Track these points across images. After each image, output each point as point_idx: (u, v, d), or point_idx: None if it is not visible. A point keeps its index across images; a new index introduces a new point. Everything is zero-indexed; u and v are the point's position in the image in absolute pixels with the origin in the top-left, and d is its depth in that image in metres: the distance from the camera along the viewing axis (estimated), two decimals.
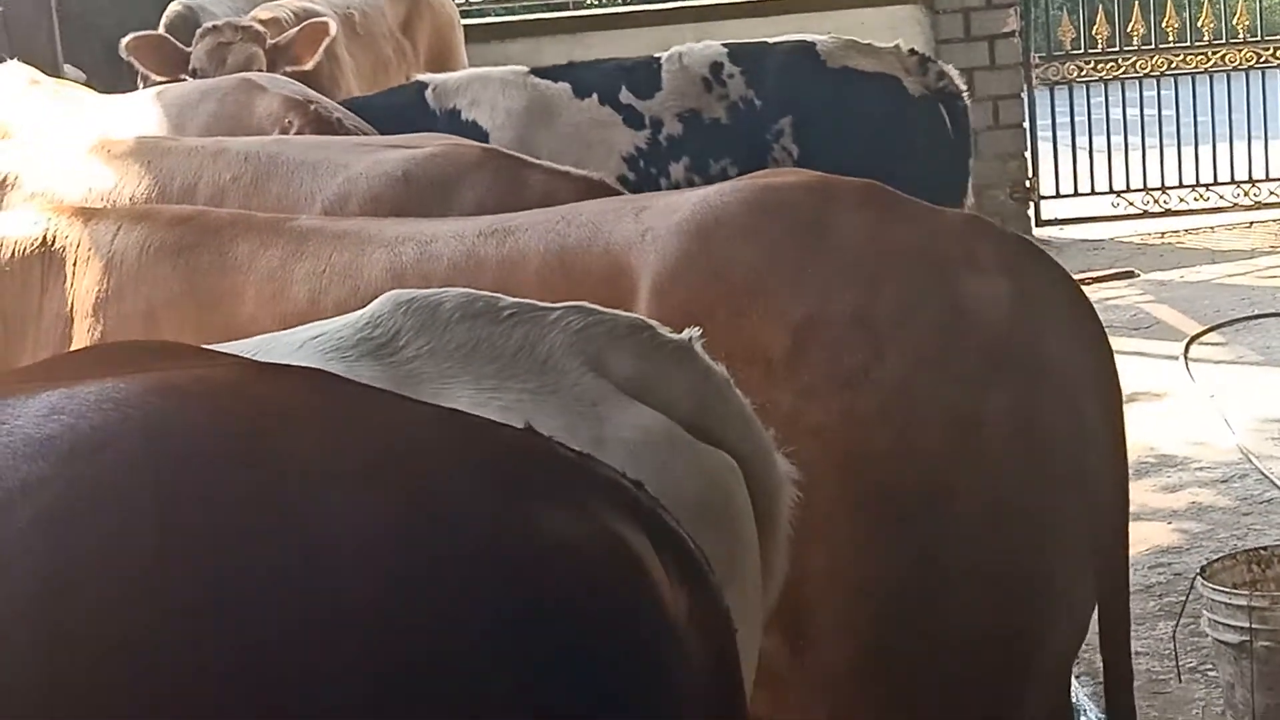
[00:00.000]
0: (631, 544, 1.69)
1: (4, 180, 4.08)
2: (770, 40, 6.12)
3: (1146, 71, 11.34)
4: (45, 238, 3.40)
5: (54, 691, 1.53)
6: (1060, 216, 11.23)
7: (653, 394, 2.13)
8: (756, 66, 5.91)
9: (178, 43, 6.73)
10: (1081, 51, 11.34)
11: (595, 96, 5.96)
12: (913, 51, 5.91)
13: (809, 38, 6.03)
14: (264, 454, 1.63)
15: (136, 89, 6.41)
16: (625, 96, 5.96)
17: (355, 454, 1.65)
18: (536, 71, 6.08)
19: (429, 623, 1.56)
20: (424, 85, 6.07)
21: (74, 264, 3.36)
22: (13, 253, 3.40)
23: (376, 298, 2.92)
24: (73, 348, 3.29)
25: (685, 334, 2.22)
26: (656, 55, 6.06)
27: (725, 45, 6.04)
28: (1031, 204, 11.16)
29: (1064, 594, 2.92)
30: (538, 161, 3.97)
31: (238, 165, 4.02)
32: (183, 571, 1.56)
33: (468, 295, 2.17)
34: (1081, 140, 11.23)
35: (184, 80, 6.40)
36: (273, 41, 6.77)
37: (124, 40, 6.60)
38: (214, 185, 4.00)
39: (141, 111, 5.09)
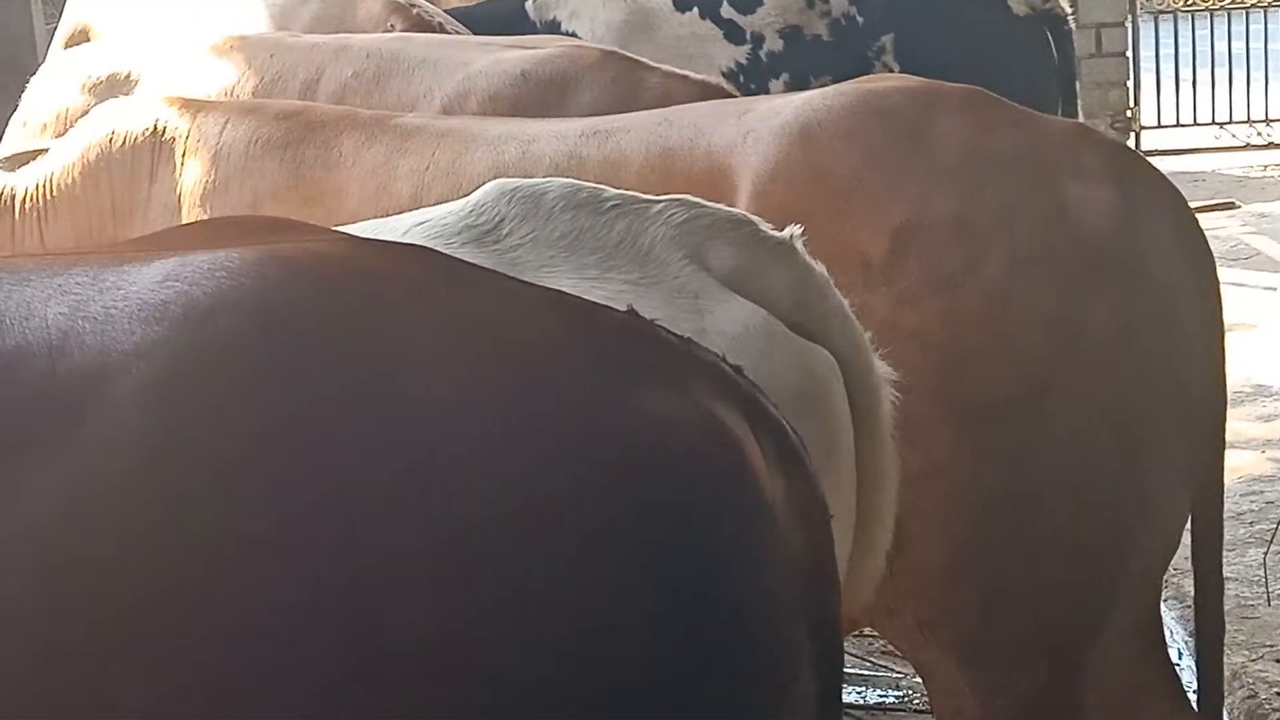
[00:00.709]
0: (730, 426, 1.70)
1: (126, 76, 4.13)
2: None
3: (1253, 3, 11.19)
4: (155, 127, 3.44)
5: (156, 551, 1.55)
6: (1161, 147, 11.12)
7: (753, 288, 2.14)
8: None
9: None
10: None
11: (696, 10, 5.94)
12: None
13: None
14: (373, 327, 1.65)
15: None
16: (727, 11, 5.94)
17: (463, 331, 1.67)
18: None
19: (530, 499, 1.58)
20: None
21: (183, 154, 3.40)
22: (123, 141, 3.45)
23: None
24: None
25: (787, 231, 2.23)
26: None
27: None
28: (1132, 134, 11.05)
29: (1156, 505, 2.92)
30: (656, 65, 3.97)
31: (359, 61, 4.06)
32: (287, 439, 1.58)
33: (571, 185, 2.18)
34: (1185, 71, 11.11)
35: None
36: None
37: None
38: (336, 81, 4.04)
39: (246, 10, 5.11)
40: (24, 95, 4.37)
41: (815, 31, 5.88)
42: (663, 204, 2.18)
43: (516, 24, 5.79)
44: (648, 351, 1.72)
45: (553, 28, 5.87)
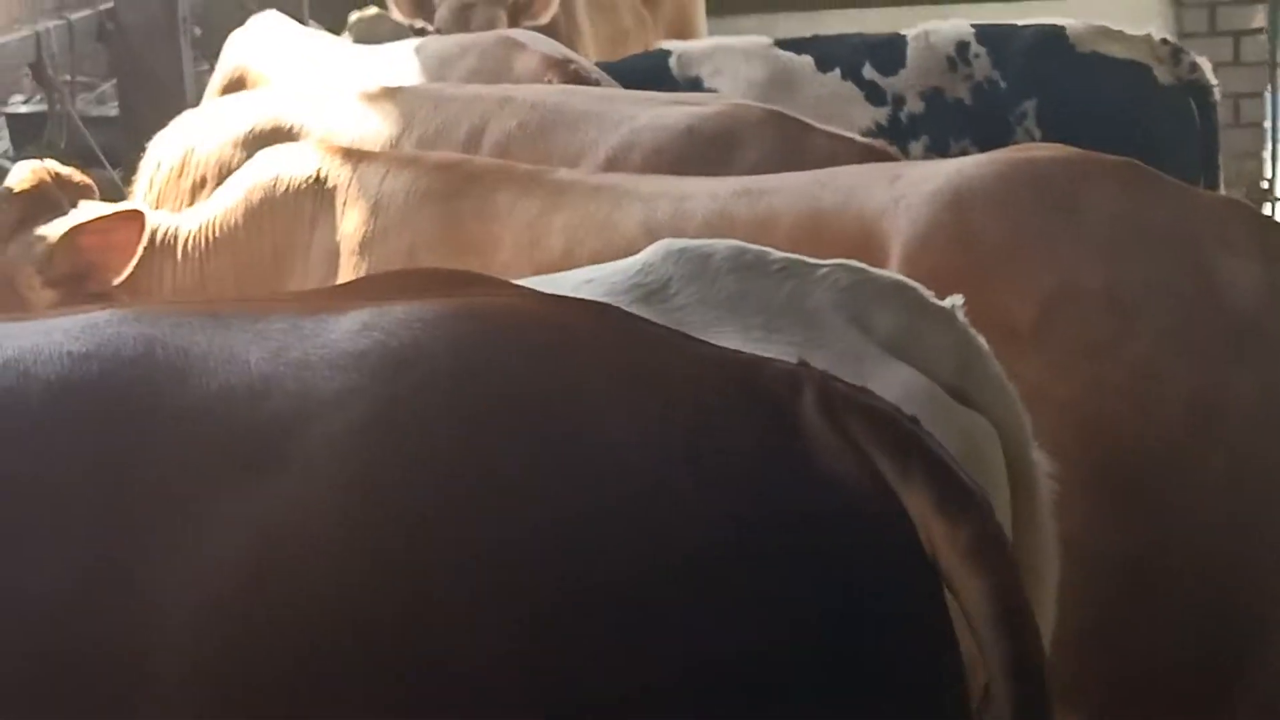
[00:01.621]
0: (893, 478, 1.74)
1: (290, 128, 4.21)
2: (1019, 23, 6.09)
3: None
4: (318, 175, 3.53)
5: (348, 593, 1.61)
6: None
7: (914, 354, 2.18)
8: (1003, 47, 5.88)
9: None
10: None
11: (838, 71, 5.97)
12: (1165, 41, 5.85)
13: (1059, 21, 6.00)
14: (560, 380, 1.71)
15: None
16: (868, 72, 5.97)
17: (645, 387, 1.73)
18: (780, 43, 6.11)
19: (701, 555, 1.64)
20: (667, 53, 6.13)
21: (343, 203, 3.49)
22: (287, 187, 3.54)
23: (630, 251, 3.00)
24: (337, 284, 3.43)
25: (949, 300, 2.27)
26: (903, 32, 6.06)
27: (973, 25, 6.02)
28: (1269, 204, 10.96)
29: None
30: (821, 125, 4.01)
31: (524, 112, 4.11)
32: (480, 484, 1.64)
33: (738, 247, 2.23)
34: None
35: (425, 29, 6.54)
36: None
37: None
38: (501, 132, 4.09)
39: (404, 63, 5.21)
40: (170, 136, 4.43)
41: (957, 95, 5.90)
42: (828, 268, 2.23)
43: (659, 80, 5.85)
44: (814, 402, 1.76)
45: (695, 84, 5.93)
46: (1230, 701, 2.94)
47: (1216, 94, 5.80)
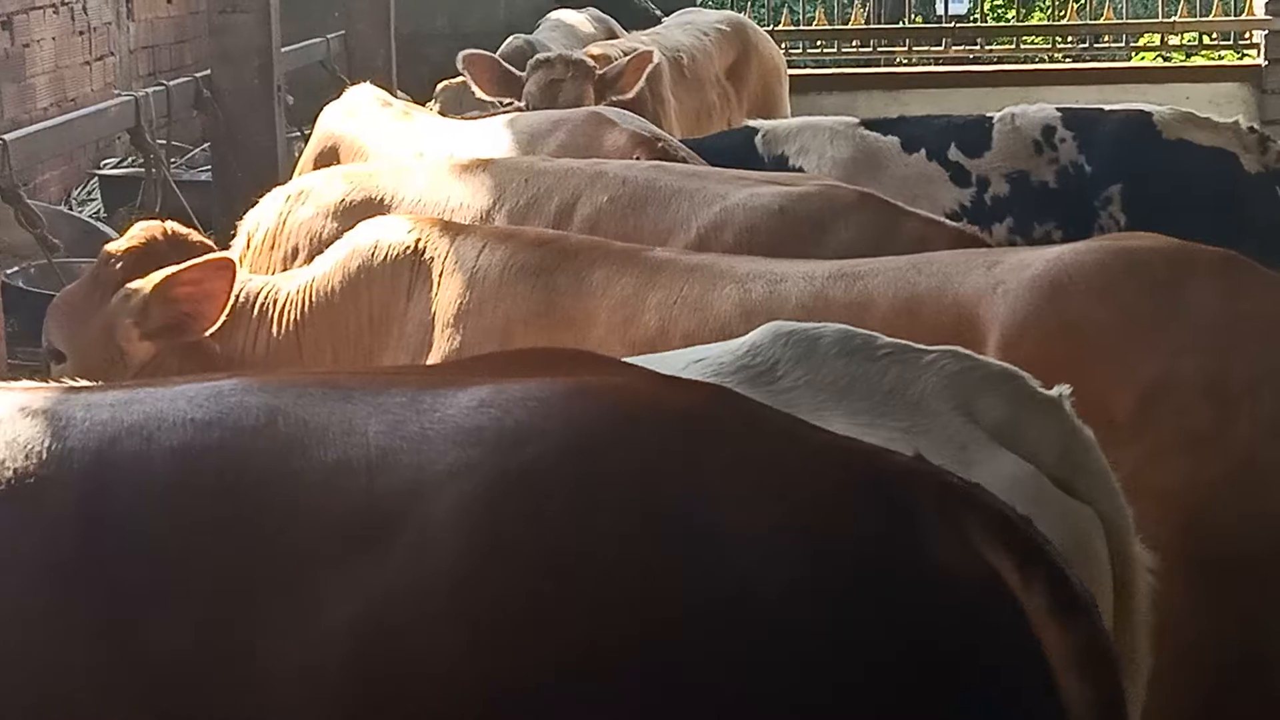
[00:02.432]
0: (1006, 577, 1.74)
1: (380, 200, 4.25)
2: (1105, 107, 6.09)
3: None
4: (416, 246, 3.56)
5: (463, 668, 1.62)
6: None
7: (1020, 443, 2.18)
8: (1090, 132, 5.89)
9: (510, 67, 6.93)
10: None
11: (923, 151, 5.98)
12: (1252, 129, 5.84)
13: (1146, 107, 5.99)
14: (675, 464, 1.72)
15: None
16: (954, 154, 5.98)
17: (762, 473, 1.73)
18: (867, 123, 6.13)
19: (819, 647, 1.63)
20: (754, 131, 6.16)
21: (440, 275, 3.51)
22: (385, 256, 3.57)
23: (724, 332, 3.01)
24: (431, 356, 3.44)
25: (1055, 390, 2.27)
26: (989, 115, 6.08)
27: (1059, 109, 6.03)
28: None
29: None
30: (912, 209, 4.02)
31: (615, 188, 4.14)
32: (591, 565, 1.65)
33: (846, 332, 2.23)
34: None
35: (513, 105, 6.60)
36: (600, 72, 6.94)
37: (461, 53, 6.82)
38: (592, 205, 4.11)
39: (495, 136, 5.26)
40: (263, 207, 4.47)
41: (1042, 178, 5.90)
42: (935, 354, 2.23)
43: (745, 157, 5.88)
44: (932, 498, 1.77)
45: (780, 163, 5.95)
46: None
47: None
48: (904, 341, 2.28)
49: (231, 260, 3.61)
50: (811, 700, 1.62)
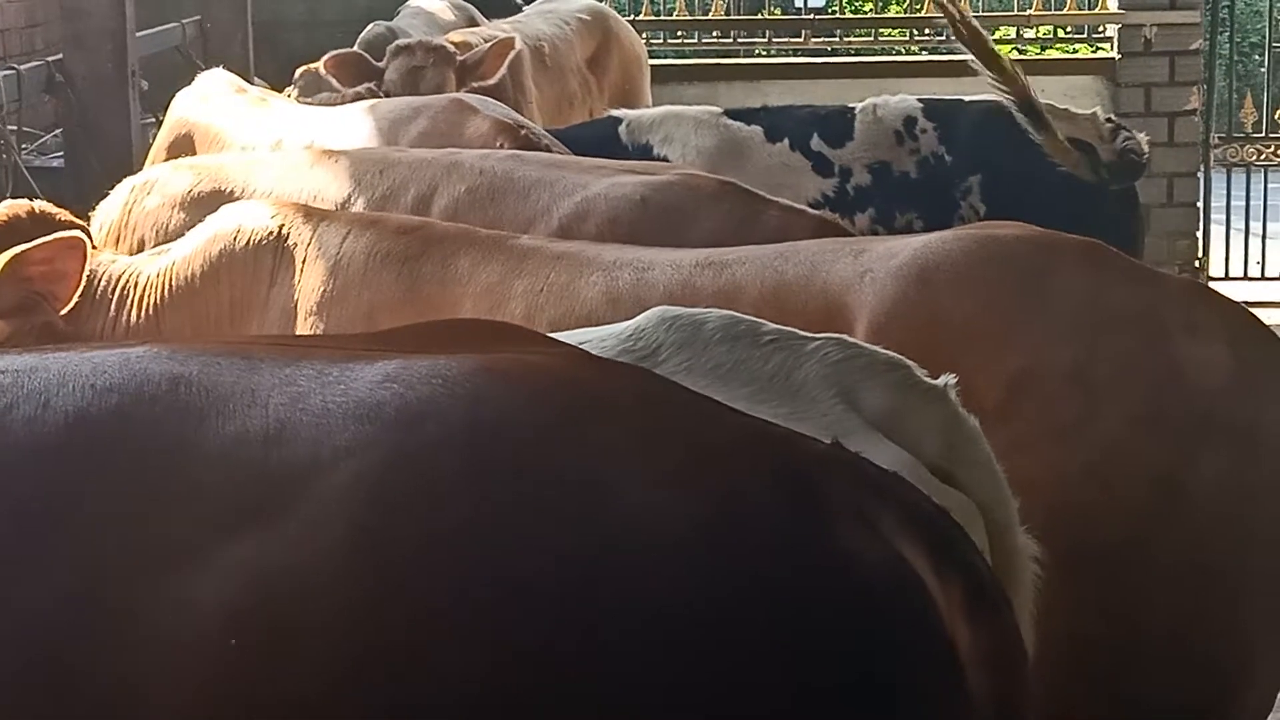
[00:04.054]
0: (916, 567, 1.71)
1: (230, 191, 4.18)
2: (965, 98, 6.13)
3: None
4: (280, 232, 3.50)
5: (344, 647, 1.61)
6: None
7: (901, 432, 2.17)
8: (950, 123, 5.93)
9: (372, 60, 6.86)
10: (1263, 135, 11.26)
11: (787, 141, 6.00)
12: (1109, 120, 5.91)
13: (1005, 99, 6.04)
14: (577, 441, 1.70)
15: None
16: (817, 144, 6.00)
17: (666, 450, 1.71)
18: (730, 113, 6.13)
19: (716, 622, 1.61)
20: (618, 120, 6.14)
21: (303, 261, 3.46)
22: (248, 241, 3.50)
23: (590, 319, 2.98)
24: None
25: (942, 380, 2.26)
26: (851, 105, 6.10)
27: (921, 100, 6.06)
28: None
29: (1256, 661, 2.92)
30: (773, 198, 4.02)
31: (473, 178, 4.09)
32: (481, 545, 1.63)
33: (731, 318, 2.22)
34: (1255, 224, 11.13)
35: (368, 91, 6.53)
36: (462, 59, 6.89)
37: (324, 59, 6.74)
38: (449, 197, 4.06)
39: (355, 124, 5.19)
40: (112, 199, 4.39)
41: (903, 168, 5.94)
42: (819, 342, 2.22)
43: (609, 147, 5.86)
44: (845, 487, 1.74)
45: (645, 152, 5.94)
46: None
47: (1145, 173, 5.88)
48: (789, 329, 2.26)
49: (82, 239, 3.51)
50: (705, 693, 1.60)
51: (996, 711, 1.73)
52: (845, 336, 2.27)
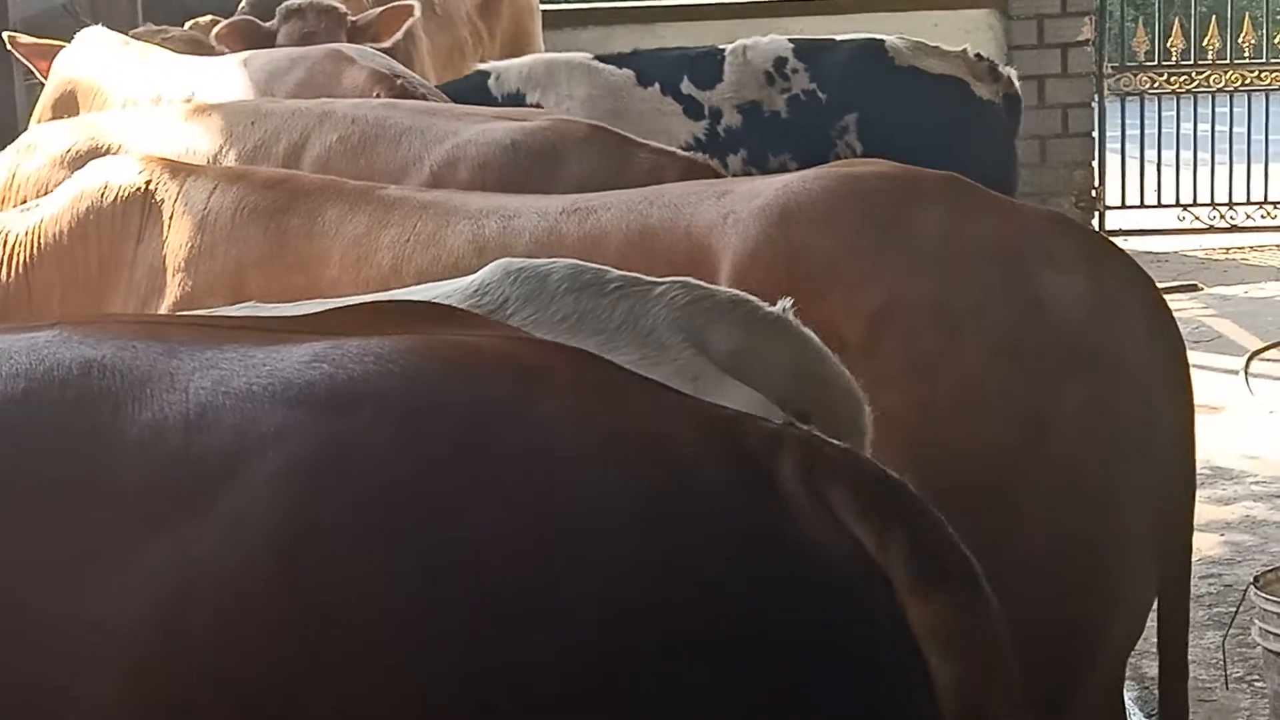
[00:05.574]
0: (874, 552, 1.63)
1: (108, 147, 4.14)
2: (837, 37, 6.14)
3: (1219, 86, 11.32)
4: (147, 188, 3.46)
5: (279, 642, 1.54)
6: (1125, 228, 11.21)
7: (752, 369, 2.16)
8: (821, 62, 5.94)
9: (260, 23, 6.78)
10: (1155, 64, 11.33)
11: (658, 85, 5.99)
12: (980, 56, 5.94)
13: (877, 36, 6.06)
14: (520, 425, 1.61)
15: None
16: (686, 86, 5.99)
17: (606, 436, 1.63)
18: (601, 58, 6.11)
19: (665, 603, 1.56)
20: (486, 75, 6.11)
21: (170, 217, 3.42)
22: (115, 197, 3.46)
23: (457, 268, 2.97)
24: (163, 301, 3.36)
25: (779, 305, 2.25)
26: (721, 47, 6.10)
27: (791, 40, 6.06)
28: (1096, 214, 11.14)
29: (1125, 589, 2.96)
30: (644, 140, 4.01)
31: (344, 127, 4.07)
32: (415, 536, 1.55)
33: (575, 266, 2.20)
34: (1150, 153, 11.22)
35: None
36: (353, 19, 6.82)
37: (215, 31, 6.65)
38: (321, 146, 4.04)
39: (230, 75, 5.15)
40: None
41: (774, 108, 5.94)
42: (664, 286, 2.21)
43: (477, 97, 5.80)
44: (796, 467, 1.66)
45: (516, 100, 5.90)
46: (1063, 714, 2.97)
47: (1021, 108, 5.92)
48: (634, 275, 2.25)
49: None
50: (654, 669, 1.54)
51: (961, 695, 1.63)
52: (690, 280, 2.26)
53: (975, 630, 1.68)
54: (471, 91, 5.86)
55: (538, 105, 5.81)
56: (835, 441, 1.73)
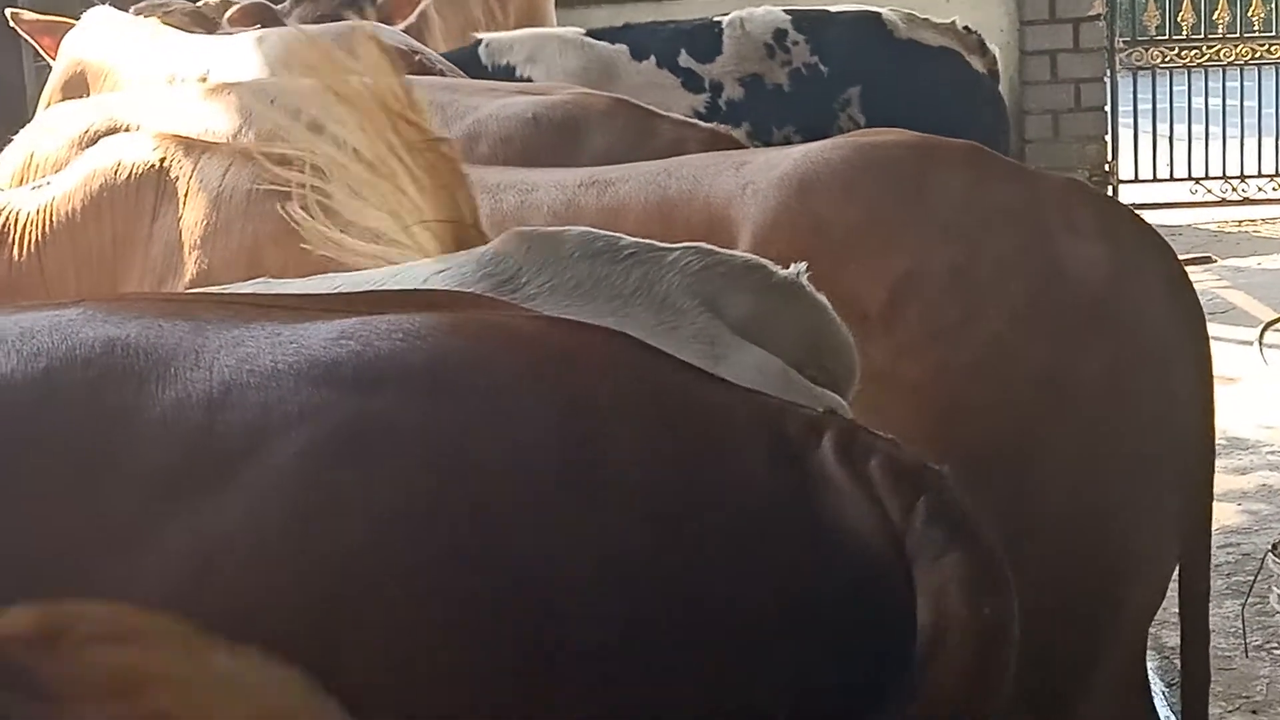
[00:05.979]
0: (911, 548, 1.62)
1: (126, 127, 4.13)
2: (832, 9, 6.11)
3: (1230, 60, 11.31)
4: (161, 165, 3.45)
5: (298, 625, 1.51)
6: (1138, 201, 11.19)
7: (767, 333, 2.16)
8: (822, 35, 5.91)
9: (272, 5, 6.76)
10: (1166, 38, 11.32)
11: (653, 59, 5.96)
12: (968, 29, 5.94)
13: (872, 9, 6.04)
14: (554, 409, 1.59)
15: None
16: (685, 60, 5.96)
17: (640, 421, 1.61)
18: (593, 33, 6.07)
19: (707, 597, 1.54)
20: (479, 43, 6.08)
21: (185, 194, 3.42)
22: (129, 174, 3.45)
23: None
24: (179, 278, 3.36)
25: (792, 269, 2.25)
26: (717, 19, 6.07)
27: (787, 11, 6.03)
28: (1110, 187, 11.13)
29: (1145, 557, 2.96)
30: (665, 112, 3.99)
31: None
32: (441, 517, 1.53)
33: (588, 234, 2.19)
34: (1162, 127, 11.21)
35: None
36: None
37: (227, 15, 6.63)
38: None
39: (244, 56, 5.14)
40: (13, 145, 4.35)
41: (776, 81, 5.91)
42: (678, 251, 2.20)
43: (470, 70, 5.76)
44: (839, 458, 1.64)
45: (506, 74, 5.86)
46: (1080, 688, 2.96)
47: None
48: (647, 241, 2.24)
49: None
50: (692, 657, 1.53)
51: (975, 671, 1.62)
52: (704, 245, 2.25)
53: (1007, 631, 1.68)
54: (463, 61, 5.82)
55: (528, 79, 5.77)
56: (876, 432, 1.72)
